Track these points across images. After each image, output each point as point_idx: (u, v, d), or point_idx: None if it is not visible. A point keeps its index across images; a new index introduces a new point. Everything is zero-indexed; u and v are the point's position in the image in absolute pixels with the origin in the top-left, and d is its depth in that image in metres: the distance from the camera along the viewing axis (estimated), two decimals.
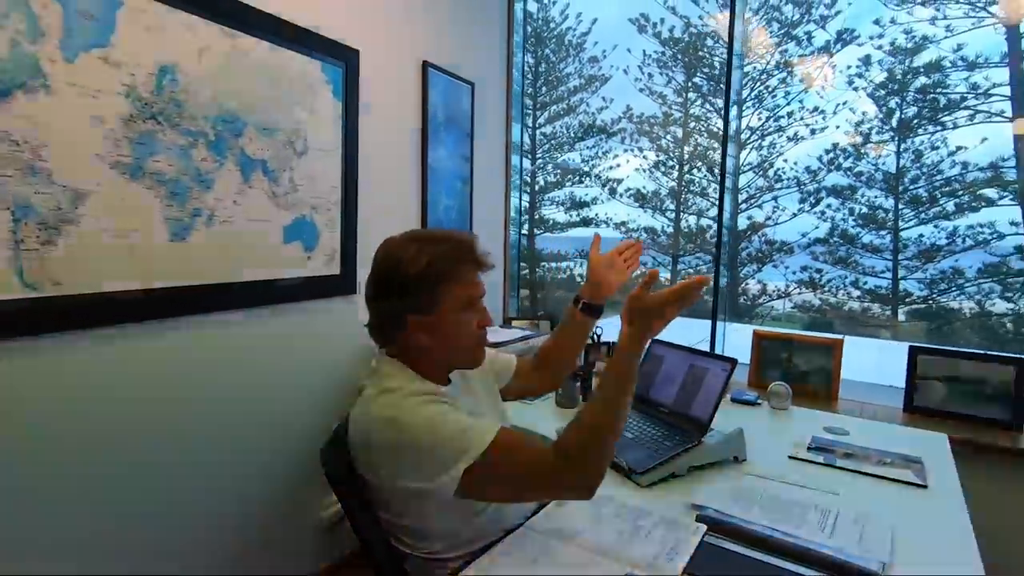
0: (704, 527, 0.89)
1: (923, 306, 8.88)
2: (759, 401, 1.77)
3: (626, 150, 11.45)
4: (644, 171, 10.95)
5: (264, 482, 2.04)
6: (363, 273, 2.23)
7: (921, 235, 8.21)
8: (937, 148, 8.39)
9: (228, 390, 1.94)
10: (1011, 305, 8.19)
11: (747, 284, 9.65)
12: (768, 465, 1.19)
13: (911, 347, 1.84)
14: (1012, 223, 7.81)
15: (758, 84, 9.62)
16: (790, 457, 1.24)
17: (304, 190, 2.20)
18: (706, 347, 2.32)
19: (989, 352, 1.66)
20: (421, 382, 1.08)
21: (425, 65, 2.31)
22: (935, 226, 8.23)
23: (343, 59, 2.16)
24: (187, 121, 1.82)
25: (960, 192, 8.23)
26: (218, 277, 1.92)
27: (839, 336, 1.95)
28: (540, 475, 0.95)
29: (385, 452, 1.00)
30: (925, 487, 1.10)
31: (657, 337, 1.60)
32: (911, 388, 1.77)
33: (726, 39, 8.11)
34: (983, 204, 8.15)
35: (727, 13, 9.46)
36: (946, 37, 8.32)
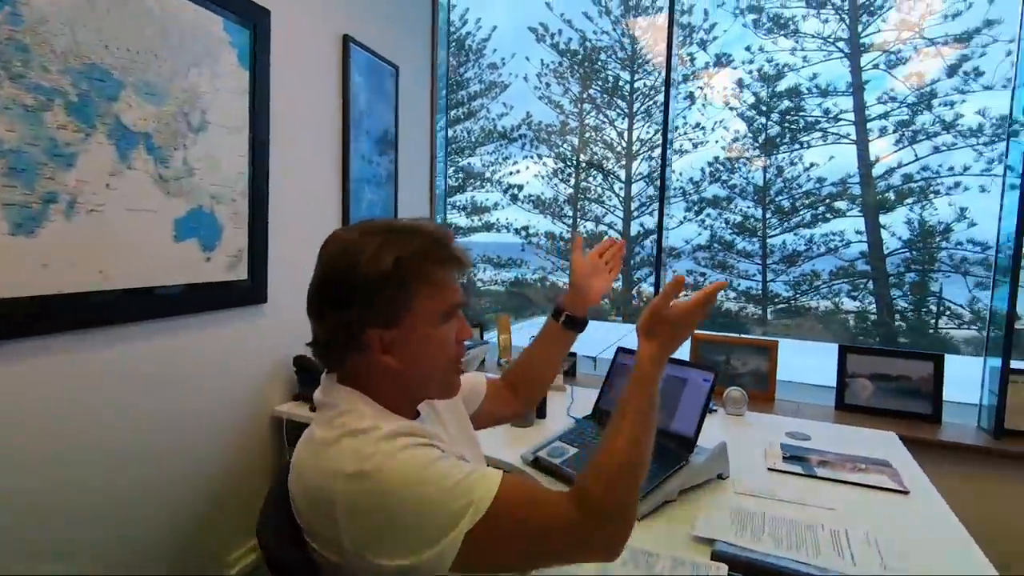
0: (725, 567, 0.79)
1: (785, 305, 9.89)
2: (714, 408, 1.70)
3: (526, 156, 11.59)
4: (543, 177, 11.16)
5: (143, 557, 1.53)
6: (276, 277, 1.86)
7: (784, 242, 9.18)
8: (795, 164, 9.39)
9: (93, 433, 1.42)
10: (857, 303, 9.35)
11: (640, 287, 10.18)
12: (751, 480, 1.13)
13: (841, 347, 1.92)
14: (857, 232, 8.95)
15: (647, 99, 10.21)
16: (770, 469, 1.19)
17: (202, 175, 1.74)
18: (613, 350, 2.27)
19: (911, 350, 1.76)
20: (393, 418, 0.81)
21: (346, 40, 2.00)
22: (795, 234, 9.23)
23: (251, 19, 1.79)
24: (36, 73, 1.39)
25: (816, 204, 9.28)
26: (80, 284, 1.49)
27: (775, 338, 1.99)
28: (560, 534, 0.70)
29: (355, 519, 0.71)
30: (907, 493, 1.10)
31: (621, 346, 1.51)
32: (842, 386, 1.85)
33: (656, 52, 8.50)
34: (834, 215, 9.25)
35: (647, 19, 9.90)
36: (803, 67, 9.33)
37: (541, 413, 1.52)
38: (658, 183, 10.82)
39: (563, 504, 0.73)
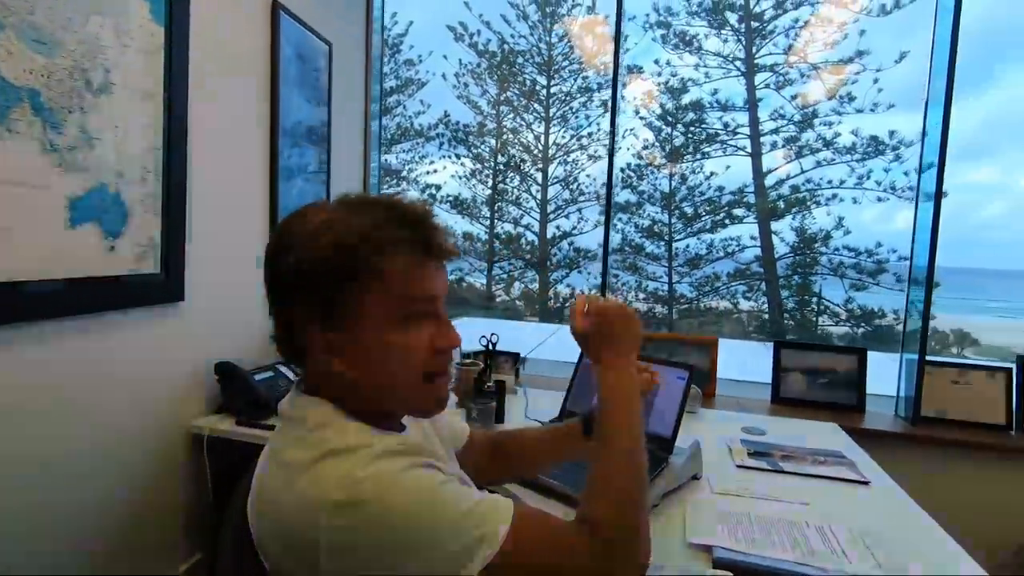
0: (730, 575, 0.77)
1: (687, 305, 10.54)
2: None
3: (444, 156, 11.43)
4: (461, 178, 11.05)
5: None
6: (197, 270, 1.58)
7: (688, 246, 9.78)
8: (697, 173, 10.03)
9: None
10: (752, 303, 10.15)
11: (557, 287, 10.40)
12: (724, 479, 1.13)
13: (776, 342, 2.03)
14: (752, 237, 9.72)
15: (563, 104, 10.47)
16: (738, 466, 1.20)
17: (105, 147, 1.41)
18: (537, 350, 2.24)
19: (838, 344, 1.88)
20: (382, 432, 0.65)
21: (276, 7, 1.76)
22: (698, 238, 9.87)
23: None
24: None
25: (716, 210, 9.97)
26: None
27: (711, 336, 2.05)
28: (576, 566, 0.62)
29: (342, 559, 0.53)
30: (867, 483, 1.15)
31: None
32: (777, 380, 1.95)
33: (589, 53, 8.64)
34: (732, 221, 9.99)
35: (586, 18, 10.04)
36: (706, 82, 9.99)
37: (500, 418, 1.44)
38: (574, 186, 11.06)
39: (575, 534, 0.64)
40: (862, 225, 8.89)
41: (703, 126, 9.87)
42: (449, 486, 0.59)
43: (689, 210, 9.92)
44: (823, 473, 1.18)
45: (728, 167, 9.70)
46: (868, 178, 8.64)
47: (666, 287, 10.29)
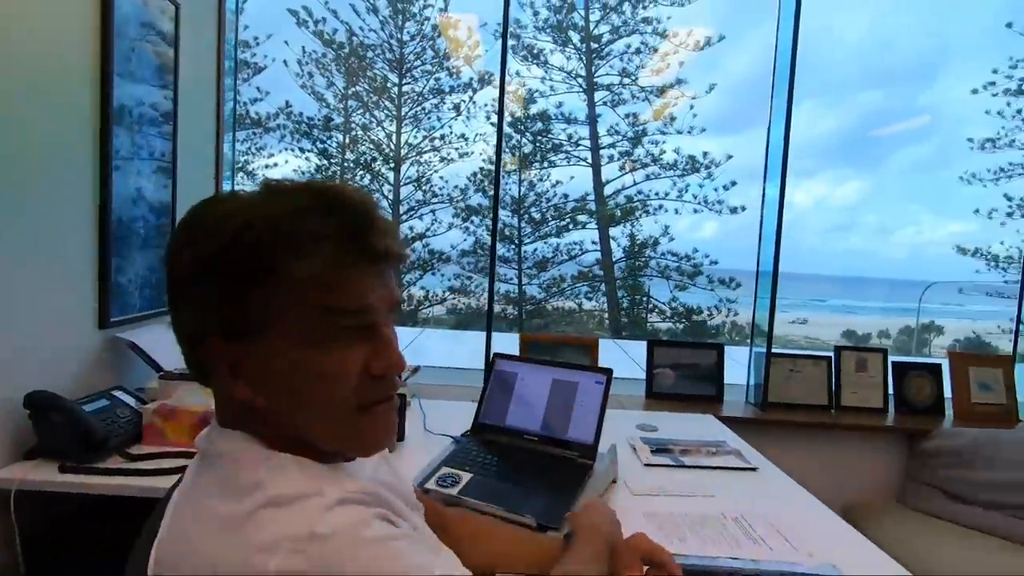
0: None
1: (535, 306, 11.07)
2: None
3: (285, 148, 10.49)
4: (305, 173, 10.23)
5: None
6: None
7: (536, 249, 10.28)
8: (544, 180, 10.59)
9: None
10: (593, 303, 10.96)
11: (410, 290, 10.19)
12: (637, 479, 1.16)
13: (649, 341, 2.17)
14: (593, 242, 10.52)
15: (415, 104, 10.30)
16: (646, 464, 1.25)
17: None
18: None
19: (700, 341, 2.08)
20: (333, 474, 0.49)
21: None
22: (545, 242, 10.41)
23: None
24: None
25: (562, 216, 10.59)
26: None
27: (595, 335, 2.14)
28: None
29: None
30: (755, 469, 1.26)
31: (497, 352, 1.40)
32: (651, 376, 2.09)
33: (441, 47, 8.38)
34: (576, 227, 10.71)
35: (446, 16, 9.74)
36: (551, 95, 10.58)
37: (400, 435, 1.32)
38: (427, 187, 10.88)
39: None
40: (682, 233, 10.09)
41: (549, 136, 10.43)
42: (418, 558, 0.47)
43: (537, 215, 10.41)
44: (718, 464, 1.28)
45: (572, 177, 10.36)
46: (686, 191, 9.87)
47: (516, 289, 10.65)
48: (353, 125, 10.56)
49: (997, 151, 9.11)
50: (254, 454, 0.48)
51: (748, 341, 2.24)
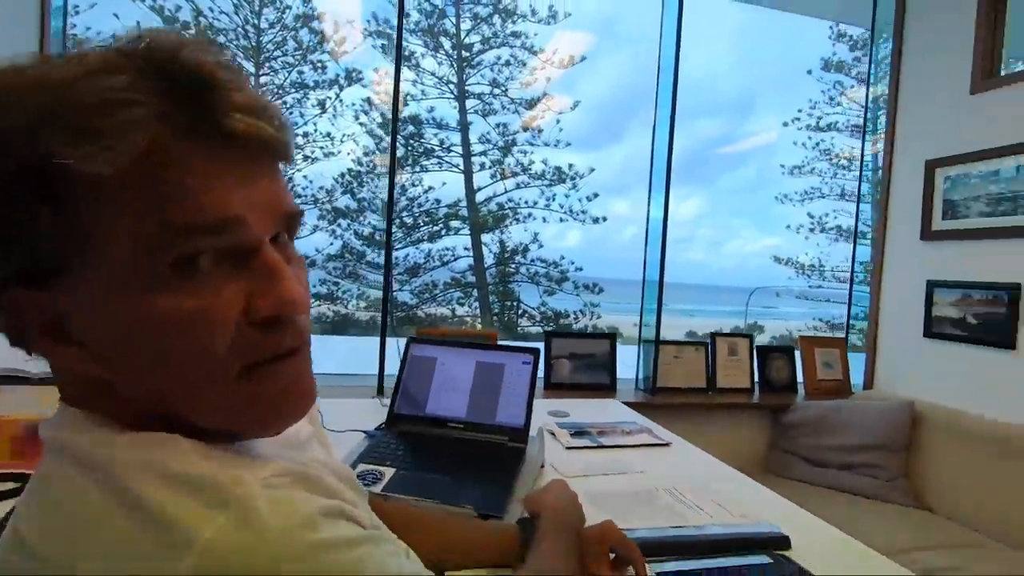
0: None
1: (406, 313, 10.79)
2: None
3: None
4: None
5: None
6: None
7: (408, 254, 10.07)
8: (416, 185, 10.43)
9: None
10: (466, 309, 10.97)
11: None
12: (564, 463, 1.14)
13: (547, 333, 2.18)
14: (465, 248, 10.55)
15: (275, 98, 9.52)
16: (567, 448, 1.22)
17: None
18: None
19: (594, 331, 2.13)
20: (212, 450, 0.35)
21: None
22: (417, 247, 10.24)
23: None
24: None
25: (435, 221, 10.49)
26: None
27: (493, 330, 2.10)
28: None
29: None
30: (668, 444, 1.30)
31: (416, 336, 1.29)
32: (548, 367, 2.10)
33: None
34: (448, 232, 10.67)
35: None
36: (423, 99, 10.47)
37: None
38: (288, 187, 10.31)
39: None
40: (549, 240, 10.54)
41: (422, 140, 10.28)
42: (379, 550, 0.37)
43: (409, 220, 10.19)
44: (636, 442, 1.30)
45: (444, 183, 10.33)
46: (553, 201, 10.32)
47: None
48: None
49: (802, 176, 10.82)
50: (101, 437, 0.33)
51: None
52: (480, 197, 10.48)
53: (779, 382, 2.23)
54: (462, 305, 10.60)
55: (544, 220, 10.44)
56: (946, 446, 1.76)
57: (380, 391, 1.88)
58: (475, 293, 10.69)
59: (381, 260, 10.00)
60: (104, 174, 0.29)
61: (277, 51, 9.37)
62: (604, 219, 10.47)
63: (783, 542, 0.83)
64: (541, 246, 10.50)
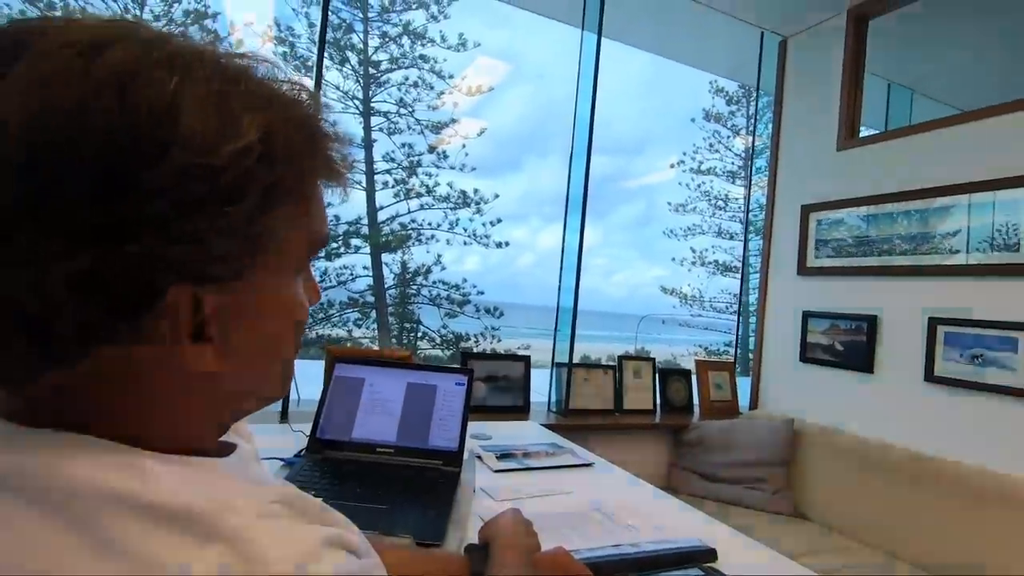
0: None
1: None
2: None
3: None
4: None
5: None
6: None
7: None
8: None
9: None
10: (364, 330, 10.59)
11: None
12: (493, 485, 1.12)
13: (463, 353, 2.14)
14: (364, 267, 10.25)
15: None
16: (495, 471, 1.21)
17: None
18: None
19: (509, 353, 2.15)
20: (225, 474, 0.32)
21: None
22: (313, 265, 9.78)
23: None
24: None
25: (334, 239, 10.09)
26: None
27: (406, 352, 2.03)
28: None
29: None
30: (591, 465, 1.32)
31: (341, 357, 1.20)
32: (471, 387, 2.06)
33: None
34: (348, 250, 10.31)
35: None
36: (327, 112, 10.13)
37: None
38: None
39: None
40: (451, 263, 10.54)
41: None
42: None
43: None
44: (560, 463, 1.31)
45: (343, 200, 10.01)
46: (457, 224, 10.37)
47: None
48: None
49: (686, 214, 11.84)
50: (131, 460, 0.29)
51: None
52: (383, 216, 10.26)
53: (677, 403, 2.38)
54: (359, 326, 10.22)
55: (448, 243, 10.44)
56: (820, 460, 1.98)
57: (284, 416, 1.74)
58: (374, 314, 10.37)
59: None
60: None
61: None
62: (507, 244, 10.68)
63: (711, 555, 0.87)
64: (444, 268, 10.46)
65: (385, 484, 0.95)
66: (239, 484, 0.32)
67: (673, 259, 12.45)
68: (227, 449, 0.41)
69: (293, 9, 9.67)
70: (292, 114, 0.35)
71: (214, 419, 0.38)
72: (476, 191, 10.65)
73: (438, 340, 10.87)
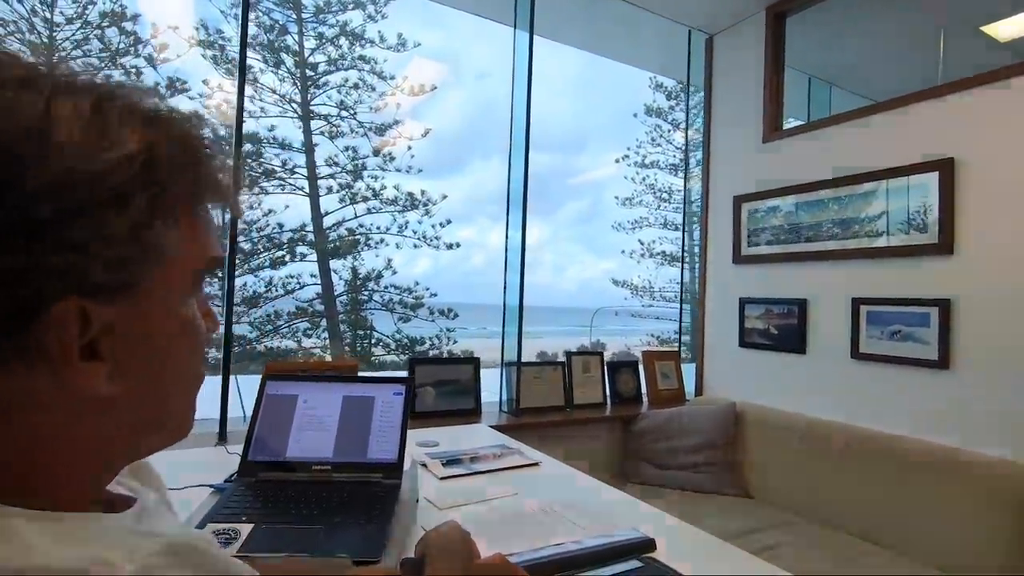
0: None
1: (244, 348, 9.89)
2: None
3: None
4: None
5: None
6: None
7: (246, 283, 9.23)
8: (255, 208, 9.67)
9: None
10: (314, 340, 10.32)
11: None
12: (440, 494, 1.11)
13: (410, 359, 2.10)
14: (312, 275, 9.97)
15: None
16: (442, 478, 1.20)
17: None
18: None
19: (457, 356, 2.13)
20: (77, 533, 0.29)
21: None
22: (256, 276, 9.45)
23: None
24: None
25: (278, 247, 9.79)
26: None
27: (352, 361, 1.99)
28: None
29: None
30: (538, 464, 1.33)
31: (273, 374, 1.16)
32: (413, 395, 2.02)
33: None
34: (293, 259, 10.01)
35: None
36: (262, 116, 9.81)
37: None
38: None
39: None
40: (403, 266, 10.40)
41: (261, 160, 9.60)
42: None
43: (247, 246, 9.38)
44: (508, 464, 1.31)
45: (287, 206, 9.72)
46: (407, 227, 10.22)
47: (221, 329, 9.30)
48: None
49: (633, 207, 12.09)
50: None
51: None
52: (328, 221, 10.00)
53: (627, 394, 2.43)
54: (309, 336, 9.93)
55: (397, 246, 10.28)
56: (761, 440, 2.06)
57: (223, 437, 1.67)
58: (324, 323, 10.10)
59: (212, 290, 9.01)
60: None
61: (77, 50, 8.16)
62: (458, 245, 10.61)
63: (649, 545, 0.89)
64: (395, 272, 10.29)
65: (321, 503, 0.92)
66: (119, 537, 0.30)
67: (622, 252, 12.66)
68: (123, 504, 0.39)
69: (221, 11, 9.26)
70: (175, 131, 0.34)
71: (108, 456, 0.36)
72: (423, 192, 10.52)
73: (393, 345, 10.70)
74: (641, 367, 2.50)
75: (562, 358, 2.36)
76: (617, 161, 12.53)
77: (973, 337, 1.59)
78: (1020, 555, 1.37)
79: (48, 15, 8.30)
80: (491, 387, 2.25)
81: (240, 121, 1.84)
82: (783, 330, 2.13)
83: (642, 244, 12.02)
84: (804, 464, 1.89)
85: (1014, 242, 1.51)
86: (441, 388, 2.10)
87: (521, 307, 2.20)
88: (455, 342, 10.41)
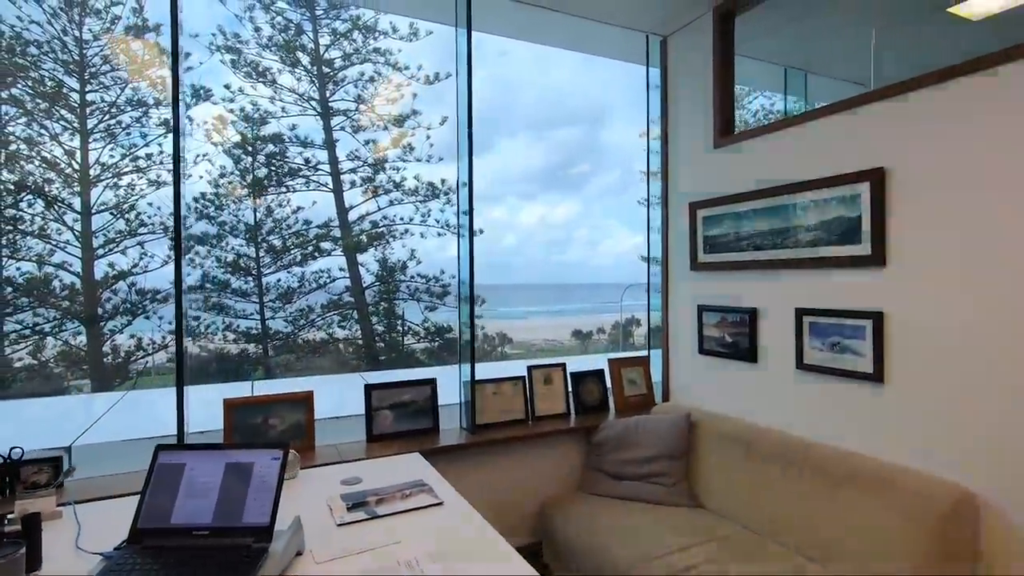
0: None
1: (282, 341, 10.33)
2: None
3: None
4: None
5: None
6: None
7: (280, 279, 9.60)
8: (283, 206, 9.98)
9: None
10: (346, 331, 10.66)
11: (115, 340, 8.42)
12: (327, 544, 1.17)
13: (366, 386, 2.19)
14: (341, 269, 10.26)
15: (107, 116, 8.62)
16: (339, 525, 1.27)
17: None
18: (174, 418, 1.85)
19: (414, 379, 2.20)
20: None
21: None
22: (289, 271, 9.79)
23: None
24: None
25: (305, 244, 10.10)
26: None
27: (309, 390, 2.09)
28: None
29: None
30: (442, 503, 1.38)
31: (160, 443, 1.26)
32: (370, 420, 2.11)
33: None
34: (321, 254, 10.31)
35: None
36: (283, 116, 10.03)
37: (35, 564, 1.08)
38: (131, 215, 9.29)
39: None
40: (428, 255, 10.56)
41: (285, 159, 9.86)
42: None
43: (277, 243, 9.72)
44: (409, 506, 1.37)
45: (314, 202, 9.98)
46: (429, 216, 10.33)
47: (259, 324, 9.77)
48: (12, 137, 8.40)
49: (658, 181, 11.81)
50: None
51: (496, 352, 2.45)
52: (353, 215, 10.22)
53: (591, 403, 2.45)
54: (343, 328, 10.28)
55: (422, 236, 10.43)
56: (712, 450, 2.04)
57: None
58: (355, 314, 10.42)
59: (248, 287, 9.42)
60: None
61: (106, 65, 8.53)
62: (482, 231, 10.66)
63: None
64: (419, 262, 10.47)
65: (192, 568, 1.01)
66: None
67: (650, 226, 12.41)
68: None
69: (236, 15, 9.49)
70: None
71: None
72: (443, 181, 10.58)
73: (422, 334, 10.94)
74: (608, 375, 2.51)
75: (523, 373, 2.40)
76: (640, 136, 12.20)
77: (904, 351, 1.54)
78: (930, 570, 1.35)
79: (77, 34, 8.69)
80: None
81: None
82: (736, 338, 2.10)
83: None
84: (749, 474, 1.88)
85: (944, 254, 1.45)
86: (401, 410, 2.18)
87: (472, 303, 2.24)
88: (483, 328, 10.56)
